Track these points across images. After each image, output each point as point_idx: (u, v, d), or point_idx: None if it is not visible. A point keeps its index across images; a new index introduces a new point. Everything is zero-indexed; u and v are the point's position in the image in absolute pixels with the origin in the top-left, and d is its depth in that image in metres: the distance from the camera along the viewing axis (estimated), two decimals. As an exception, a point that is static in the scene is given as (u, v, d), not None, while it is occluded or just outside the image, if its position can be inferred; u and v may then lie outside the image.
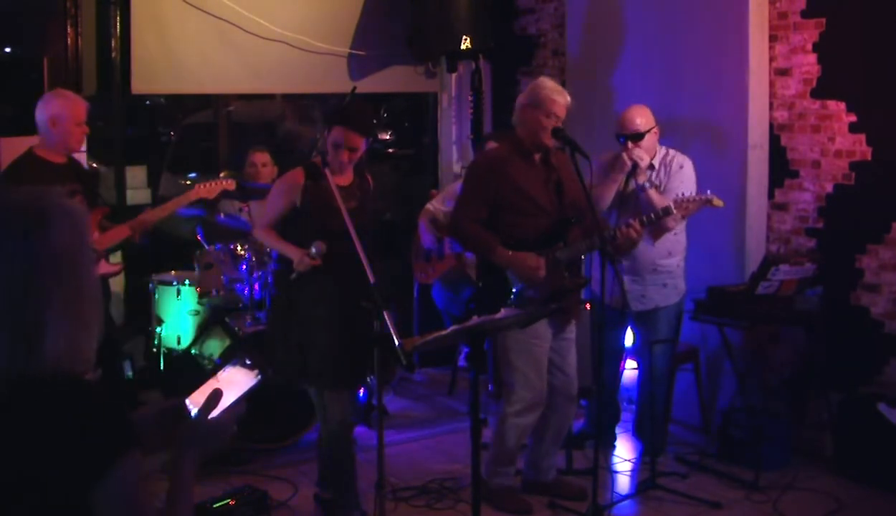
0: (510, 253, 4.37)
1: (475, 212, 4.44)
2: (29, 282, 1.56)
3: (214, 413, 1.77)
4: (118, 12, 6.04)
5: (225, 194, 5.25)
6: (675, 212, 4.58)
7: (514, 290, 4.40)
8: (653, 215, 4.55)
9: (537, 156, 4.47)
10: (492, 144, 5.44)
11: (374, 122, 4.53)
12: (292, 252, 4.05)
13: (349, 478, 4.22)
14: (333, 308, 4.06)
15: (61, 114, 4.51)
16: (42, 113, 4.51)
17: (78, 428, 1.54)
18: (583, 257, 4.71)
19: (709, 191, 4.62)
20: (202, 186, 5.01)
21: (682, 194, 4.65)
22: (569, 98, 4.45)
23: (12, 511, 1.53)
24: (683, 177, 4.99)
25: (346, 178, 4.13)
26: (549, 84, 4.46)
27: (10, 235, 1.57)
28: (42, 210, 1.60)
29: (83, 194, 4.36)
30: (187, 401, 1.82)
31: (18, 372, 1.55)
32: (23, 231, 1.58)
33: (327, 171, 4.02)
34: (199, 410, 1.77)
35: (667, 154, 5.07)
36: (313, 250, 3.98)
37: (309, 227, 4.05)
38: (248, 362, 1.90)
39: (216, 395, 1.77)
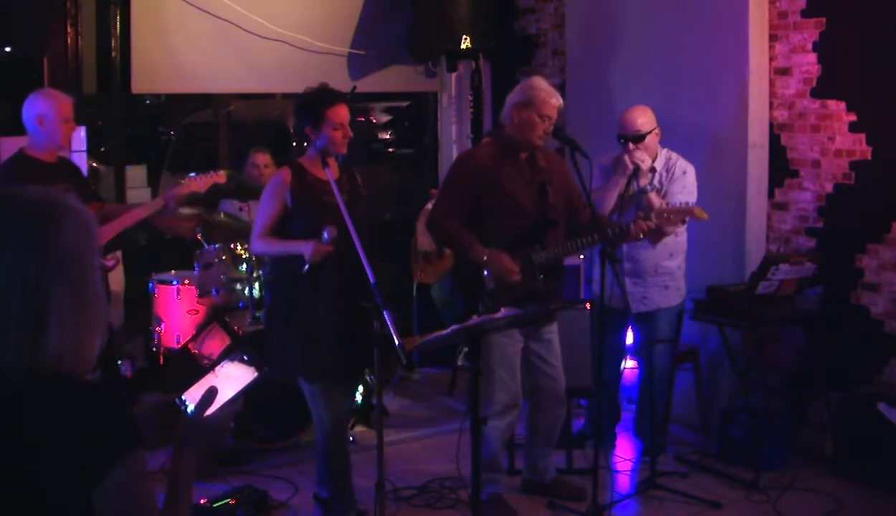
0: (487, 251, 4.30)
1: (455, 208, 4.38)
2: (39, 279, 1.57)
3: (210, 410, 1.77)
4: (118, 12, 6.04)
5: (225, 194, 5.24)
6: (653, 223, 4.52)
7: (487, 290, 4.32)
8: (625, 228, 4.39)
9: (523, 156, 4.42)
10: (487, 140, 5.43)
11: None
12: (301, 246, 3.93)
13: (345, 477, 4.20)
14: (331, 303, 4.03)
15: (47, 112, 4.49)
16: (28, 112, 4.49)
17: (80, 427, 1.54)
18: (582, 257, 4.68)
19: (692, 202, 4.56)
20: (192, 181, 4.98)
21: (672, 203, 4.59)
22: (561, 100, 4.42)
23: (13, 509, 1.53)
24: (686, 183, 4.96)
25: (334, 173, 4.05)
26: (542, 85, 4.40)
27: (23, 233, 1.58)
28: (54, 209, 1.62)
29: (76, 192, 4.34)
30: (185, 397, 1.82)
31: (23, 368, 1.55)
32: (36, 229, 1.59)
33: (309, 166, 4.04)
34: (195, 408, 1.77)
35: (670, 158, 5.03)
36: (325, 236, 3.88)
37: (304, 226, 4.01)
38: (246, 358, 1.90)
39: (211, 393, 1.78)
